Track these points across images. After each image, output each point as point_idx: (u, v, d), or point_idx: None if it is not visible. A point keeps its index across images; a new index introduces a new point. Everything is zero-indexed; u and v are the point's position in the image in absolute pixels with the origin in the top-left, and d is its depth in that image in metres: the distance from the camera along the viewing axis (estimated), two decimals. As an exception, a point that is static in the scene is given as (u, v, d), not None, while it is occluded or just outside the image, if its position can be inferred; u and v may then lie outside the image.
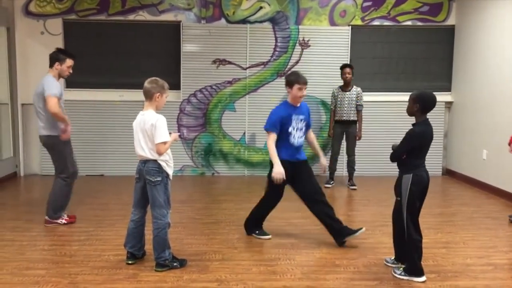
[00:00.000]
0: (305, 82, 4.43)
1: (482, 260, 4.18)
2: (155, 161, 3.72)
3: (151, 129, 3.66)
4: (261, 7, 7.86)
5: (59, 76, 4.96)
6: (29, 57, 7.64)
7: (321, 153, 4.76)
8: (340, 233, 4.45)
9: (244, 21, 7.88)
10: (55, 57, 4.90)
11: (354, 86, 7.04)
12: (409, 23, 8.03)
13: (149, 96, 3.76)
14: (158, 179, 3.73)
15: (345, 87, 7.02)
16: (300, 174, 4.51)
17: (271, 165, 4.50)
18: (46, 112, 4.80)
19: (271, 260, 4.09)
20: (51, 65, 4.91)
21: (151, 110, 3.75)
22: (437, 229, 5.06)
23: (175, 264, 3.83)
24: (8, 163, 7.53)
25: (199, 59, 7.83)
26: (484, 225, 5.25)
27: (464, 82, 7.74)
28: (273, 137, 4.48)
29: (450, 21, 8.04)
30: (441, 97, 7.84)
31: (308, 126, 4.66)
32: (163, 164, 3.74)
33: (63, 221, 5.00)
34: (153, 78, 3.81)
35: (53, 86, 4.76)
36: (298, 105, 4.53)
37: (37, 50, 7.63)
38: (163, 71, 7.49)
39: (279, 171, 4.34)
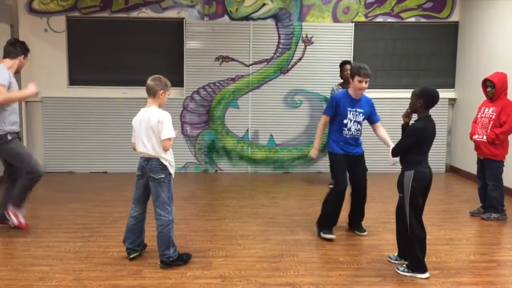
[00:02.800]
0: (366, 75, 4.44)
1: (485, 257, 4.18)
2: (158, 158, 3.73)
3: (158, 126, 3.67)
4: (264, 4, 7.85)
5: (17, 69, 4.66)
6: (33, 54, 7.58)
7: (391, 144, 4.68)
8: (352, 223, 4.80)
9: (247, 18, 7.87)
10: (25, 49, 4.64)
11: None
12: (412, 19, 8.01)
13: (152, 93, 3.77)
14: (162, 176, 3.75)
15: (345, 84, 6.98)
16: (354, 168, 4.66)
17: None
18: None
19: (274, 257, 4.10)
20: (14, 56, 4.58)
21: (154, 107, 3.76)
22: (440, 225, 5.05)
23: (179, 263, 3.85)
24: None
25: (202, 56, 7.83)
26: (487, 222, 5.24)
27: (467, 78, 7.72)
28: (324, 118, 4.65)
29: (454, 18, 8.02)
30: (445, 93, 7.83)
31: (372, 121, 4.70)
32: (166, 163, 3.75)
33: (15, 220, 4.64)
34: (156, 75, 3.83)
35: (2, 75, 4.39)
36: (358, 97, 4.55)
37: (41, 48, 7.66)
38: (166, 68, 7.52)
39: (313, 154, 4.66)
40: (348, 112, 4.50)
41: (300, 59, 7.89)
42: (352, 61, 7.15)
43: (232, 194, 6.49)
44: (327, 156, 4.79)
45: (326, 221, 4.61)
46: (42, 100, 7.60)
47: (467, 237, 4.72)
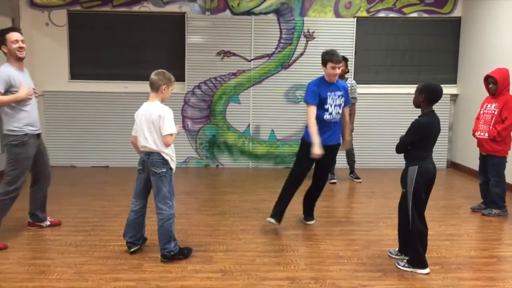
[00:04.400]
0: (338, 61, 4.46)
1: (486, 253, 4.18)
2: (159, 153, 3.73)
3: (159, 120, 3.66)
4: (265, -1, 7.84)
5: (16, 59, 4.20)
6: (34, 48, 7.64)
7: (348, 130, 4.77)
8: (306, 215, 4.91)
9: (248, 12, 7.85)
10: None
11: (349, 79, 6.93)
12: (414, 14, 7.98)
13: (155, 87, 3.76)
14: (163, 170, 3.75)
15: (340, 79, 6.91)
16: (325, 157, 4.50)
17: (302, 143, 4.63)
18: None
19: (275, 252, 4.10)
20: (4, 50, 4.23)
21: (157, 102, 3.76)
22: (441, 221, 5.05)
23: (180, 257, 3.86)
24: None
25: (204, 50, 7.81)
26: (488, 217, 5.24)
27: (470, 74, 7.70)
28: (312, 110, 4.47)
29: (456, 13, 7.99)
30: (447, 89, 7.78)
31: (345, 103, 4.72)
32: (167, 158, 3.75)
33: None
34: (160, 70, 3.82)
35: None
36: (334, 82, 4.58)
37: (42, 41, 7.66)
38: (167, 62, 7.50)
39: (317, 152, 4.35)
40: (328, 96, 4.51)
41: (301, 54, 7.87)
42: (351, 56, 7.05)
43: (233, 189, 6.50)
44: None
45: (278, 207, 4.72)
46: (43, 94, 7.59)
47: (467, 233, 4.72)
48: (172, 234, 3.81)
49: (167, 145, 3.71)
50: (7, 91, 4.11)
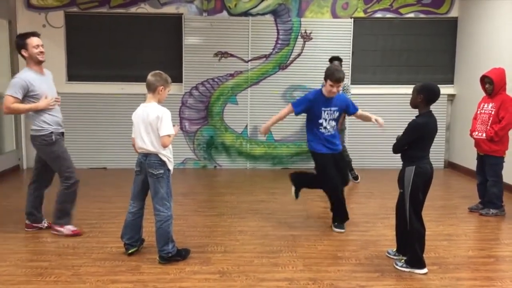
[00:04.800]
0: (337, 80, 4.42)
1: (483, 253, 4.19)
2: (156, 154, 3.73)
3: (157, 121, 3.66)
4: (262, 0, 7.83)
5: (36, 62, 4.36)
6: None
7: (372, 116, 4.75)
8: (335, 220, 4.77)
9: (246, 13, 7.85)
10: (19, 46, 4.36)
11: None
12: (411, 15, 7.99)
13: (152, 89, 3.76)
14: (161, 171, 3.74)
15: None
16: (337, 164, 4.65)
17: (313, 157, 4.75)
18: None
19: (273, 252, 4.10)
20: (22, 56, 4.42)
21: (154, 103, 3.76)
22: (439, 221, 5.06)
23: (178, 258, 3.85)
24: (10, 156, 7.55)
25: (201, 51, 7.81)
26: (485, 217, 5.24)
27: (466, 74, 7.72)
28: (288, 111, 4.67)
29: (453, 13, 8.00)
30: (444, 89, 7.75)
31: (350, 113, 4.80)
32: (165, 159, 3.75)
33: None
34: (157, 71, 3.82)
35: (12, 83, 4.25)
36: (331, 98, 4.59)
37: (39, 43, 7.63)
38: (165, 63, 7.48)
39: (263, 129, 4.75)
40: (323, 112, 4.55)
41: (299, 55, 7.87)
42: (348, 57, 6.99)
43: (231, 190, 6.49)
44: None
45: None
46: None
47: (465, 233, 4.73)
48: (170, 236, 3.80)
49: (164, 146, 3.70)
50: (26, 96, 4.27)
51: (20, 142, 7.75)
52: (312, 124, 4.61)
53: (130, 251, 3.95)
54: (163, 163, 3.75)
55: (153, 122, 3.67)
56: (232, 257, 3.97)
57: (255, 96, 7.95)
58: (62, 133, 4.55)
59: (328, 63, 7.45)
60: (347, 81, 6.93)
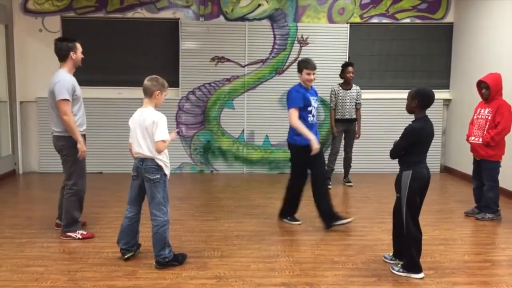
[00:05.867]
0: (314, 67, 4.95)
1: (480, 257, 4.19)
2: (153, 159, 3.73)
3: (152, 126, 3.66)
4: (259, 5, 7.86)
5: (75, 67, 4.62)
6: (28, 54, 7.63)
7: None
8: (330, 217, 4.84)
9: (242, 18, 7.87)
10: (68, 48, 4.48)
11: (354, 85, 7.01)
12: (407, 20, 8.03)
13: (148, 93, 3.76)
14: (157, 176, 3.74)
15: (346, 85, 6.97)
16: (317, 156, 4.84)
17: (290, 149, 5.04)
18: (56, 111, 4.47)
19: (270, 257, 4.10)
20: (63, 59, 4.52)
21: (150, 108, 3.76)
22: (435, 226, 5.07)
23: (175, 263, 3.84)
24: (7, 160, 7.52)
25: (198, 56, 7.82)
26: (481, 222, 5.26)
27: (462, 79, 7.75)
28: (296, 113, 4.81)
29: (449, 19, 8.05)
30: (440, 94, 7.84)
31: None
32: (161, 164, 3.74)
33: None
34: (153, 76, 3.83)
35: (63, 87, 4.36)
36: (310, 88, 4.99)
37: (36, 48, 7.63)
38: (161, 68, 7.50)
39: (315, 146, 4.71)
40: (311, 100, 4.91)
41: (295, 59, 7.87)
42: (353, 63, 7.07)
43: (228, 195, 6.49)
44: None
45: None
46: (37, 100, 7.57)
47: (461, 237, 4.74)
48: (166, 241, 3.80)
49: (159, 151, 3.70)
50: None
51: (17, 147, 7.73)
52: (303, 113, 4.83)
53: (126, 256, 3.94)
54: (159, 168, 3.75)
55: (149, 127, 3.68)
56: (229, 262, 3.97)
57: (252, 100, 7.96)
58: (84, 135, 4.70)
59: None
60: (358, 87, 6.99)
